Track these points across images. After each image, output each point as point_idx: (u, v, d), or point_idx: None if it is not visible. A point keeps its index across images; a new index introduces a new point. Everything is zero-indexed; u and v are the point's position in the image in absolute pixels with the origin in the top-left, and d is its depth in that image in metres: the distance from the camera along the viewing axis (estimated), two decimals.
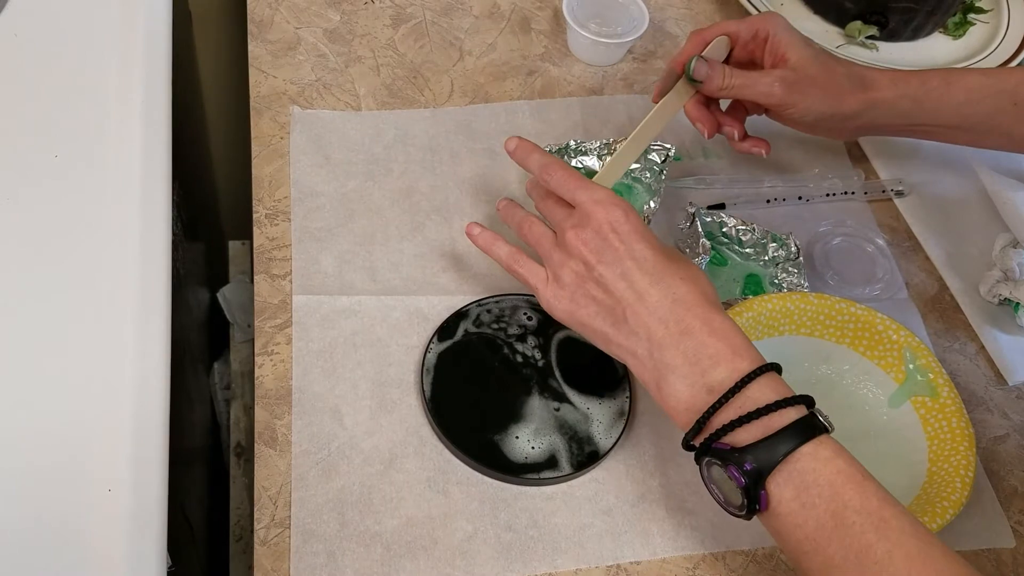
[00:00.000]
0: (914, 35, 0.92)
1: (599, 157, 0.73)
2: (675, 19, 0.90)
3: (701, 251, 0.69)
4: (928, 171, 0.82)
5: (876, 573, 0.46)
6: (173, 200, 0.66)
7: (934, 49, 0.92)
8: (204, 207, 1.13)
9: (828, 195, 0.79)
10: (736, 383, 0.51)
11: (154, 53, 0.71)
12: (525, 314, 0.67)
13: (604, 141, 0.73)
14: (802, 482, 0.49)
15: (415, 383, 0.63)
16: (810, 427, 0.50)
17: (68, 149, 0.65)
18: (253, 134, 0.74)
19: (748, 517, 0.51)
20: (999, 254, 0.74)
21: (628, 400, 0.64)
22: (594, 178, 0.65)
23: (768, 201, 0.78)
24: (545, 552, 0.58)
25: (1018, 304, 0.72)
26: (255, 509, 0.58)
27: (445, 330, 0.65)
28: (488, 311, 0.67)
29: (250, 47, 0.80)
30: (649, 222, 0.71)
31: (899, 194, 0.80)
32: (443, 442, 0.61)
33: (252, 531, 0.57)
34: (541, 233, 0.61)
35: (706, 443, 0.52)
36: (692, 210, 0.71)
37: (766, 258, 0.71)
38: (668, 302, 0.55)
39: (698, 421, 0.52)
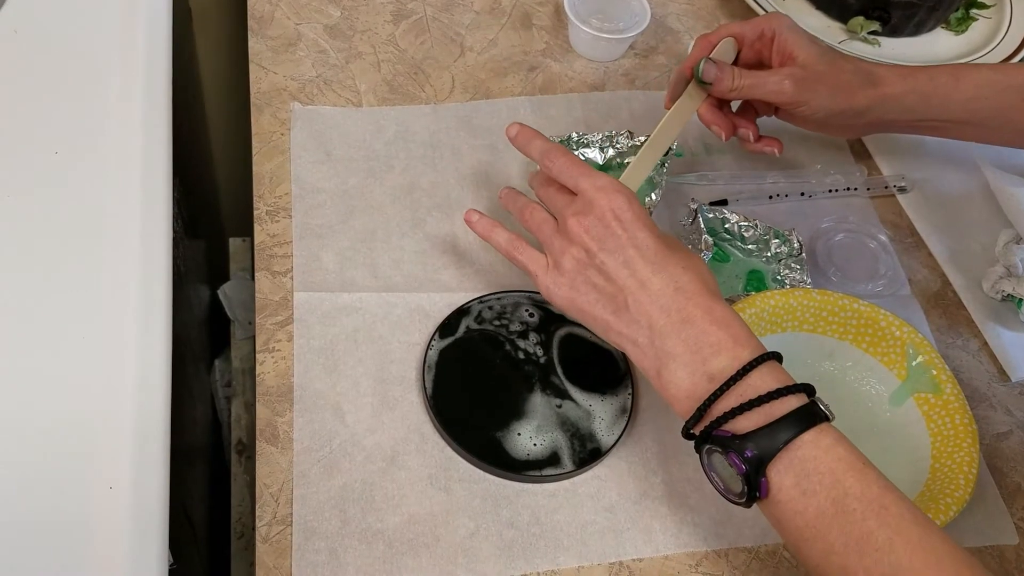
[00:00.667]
0: (916, 31, 0.92)
1: (601, 149, 0.73)
2: (677, 15, 0.90)
3: (703, 247, 0.68)
4: (931, 167, 0.81)
5: (876, 560, 0.46)
6: (173, 197, 0.65)
7: (936, 45, 0.92)
8: (205, 204, 1.12)
9: (831, 191, 0.79)
10: (737, 371, 0.51)
11: (154, 49, 0.71)
12: (527, 310, 0.67)
13: (606, 133, 0.73)
14: (803, 469, 0.49)
15: (416, 380, 0.63)
16: (811, 415, 0.50)
17: (68, 146, 0.65)
18: (254, 130, 0.74)
19: (748, 505, 0.51)
20: (1002, 250, 0.74)
21: (630, 397, 0.64)
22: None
23: (770, 197, 0.77)
24: (547, 549, 0.58)
25: (1021, 300, 0.72)
26: (257, 507, 0.58)
27: (446, 327, 0.65)
28: (490, 308, 0.66)
29: (250, 43, 0.80)
30: (651, 215, 0.71)
31: (902, 190, 0.80)
32: (445, 439, 0.61)
33: (254, 529, 0.57)
34: (542, 219, 0.61)
35: (706, 431, 0.52)
36: (694, 206, 0.71)
37: (768, 254, 0.71)
38: (670, 290, 0.55)
39: (699, 408, 0.52)
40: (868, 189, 0.79)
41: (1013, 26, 0.92)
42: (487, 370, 0.63)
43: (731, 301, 0.66)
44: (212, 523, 0.92)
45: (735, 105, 0.74)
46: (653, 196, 0.71)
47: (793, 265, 0.70)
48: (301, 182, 0.72)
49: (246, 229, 0.78)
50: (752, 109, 0.73)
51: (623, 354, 0.65)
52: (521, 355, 0.64)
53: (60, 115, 0.66)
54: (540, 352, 0.65)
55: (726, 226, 0.72)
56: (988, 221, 0.78)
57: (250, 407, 0.99)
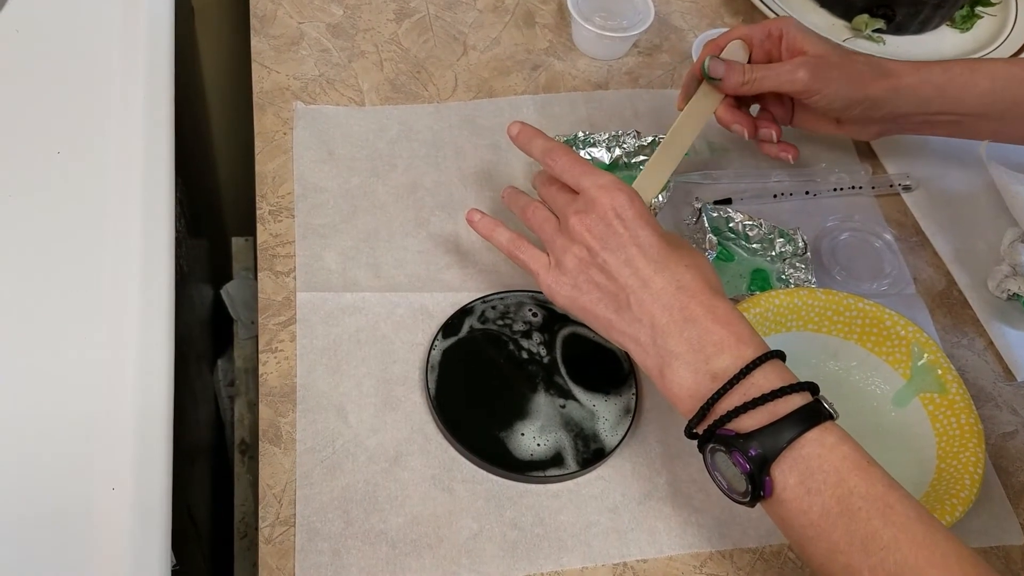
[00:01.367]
0: (921, 28, 0.91)
1: (607, 149, 0.73)
2: (680, 12, 0.90)
3: (707, 247, 0.68)
4: (935, 166, 0.81)
5: (882, 559, 0.46)
6: (176, 196, 0.65)
7: (941, 42, 0.92)
8: (207, 203, 1.12)
9: (835, 190, 0.78)
10: (741, 370, 0.51)
11: (156, 49, 0.71)
12: (530, 310, 0.66)
13: (612, 133, 0.73)
14: (807, 468, 0.49)
15: (420, 380, 0.63)
16: (815, 413, 0.50)
17: (70, 146, 0.65)
18: (256, 130, 0.74)
19: (752, 504, 0.51)
20: (1008, 249, 0.73)
21: (634, 397, 0.63)
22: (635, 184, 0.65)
23: (775, 196, 0.77)
24: (551, 550, 0.58)
25: None
26: (260, 507, 0.57)
27: (450, 327, 0.65)
28: (493, 307, 0.66)
29: (253, 42, 0.80)
30: (656, 216, 0.70)
31: (906, 189, 0.79)
32: (448, 439, 0.61)
33: (257, 529, 0.57)
34: (544, 218, 0.60)
35: (710, 430, 0.52)
36: (698, 205, 0.71)
37: (773, 253, 0.71)
38: (672, 289, 0.54)
39: (702, 407, 0.52)
40: (873, 188, 0.79)
41: (1019, 23, 0.92)
42: (490, 370, 0.63)
43: (735, 301, 0.66)
44: (216, 523, 0.92)
45: (754, 112, 0.74)
46: (660, 198, 0.70)
47: (798, 264, 0.70)
48: (304, 181, 0.72)
49: (249, 229, 0.78)
50: (770, 113, 0.73)
51: (627, 354, 0.65)
52: (524, 355, 0.64)
53: (62, 114, 0.66)
54: (543, 352, 0.64)
55: (730, 225, 0.71)
56: (993, 220, 0.78)
57: (253, 407, 0.99)
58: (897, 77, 0.68)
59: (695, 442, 0.54)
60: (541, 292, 0.66)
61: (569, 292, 0.58)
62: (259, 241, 0.68)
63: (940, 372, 0.63)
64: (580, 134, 0.73)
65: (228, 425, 1.04)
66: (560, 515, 0.59)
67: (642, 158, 0.73)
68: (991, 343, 0.72)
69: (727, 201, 0.75)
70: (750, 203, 0.76)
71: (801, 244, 0.70)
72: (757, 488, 0.50)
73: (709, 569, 0.59)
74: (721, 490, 0.53)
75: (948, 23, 0.93)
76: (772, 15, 0.87)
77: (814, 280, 0.69)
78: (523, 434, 0.61)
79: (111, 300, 0.58)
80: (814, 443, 0.49)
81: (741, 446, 0.50)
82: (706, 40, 0.81)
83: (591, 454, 0.61)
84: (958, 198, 0.79)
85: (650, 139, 0.72)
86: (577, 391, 0.63)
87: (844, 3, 0.91)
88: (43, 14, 0.71)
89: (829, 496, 0.48)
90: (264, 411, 0.61)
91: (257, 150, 0.73)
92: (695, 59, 0.79)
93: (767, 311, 0.65)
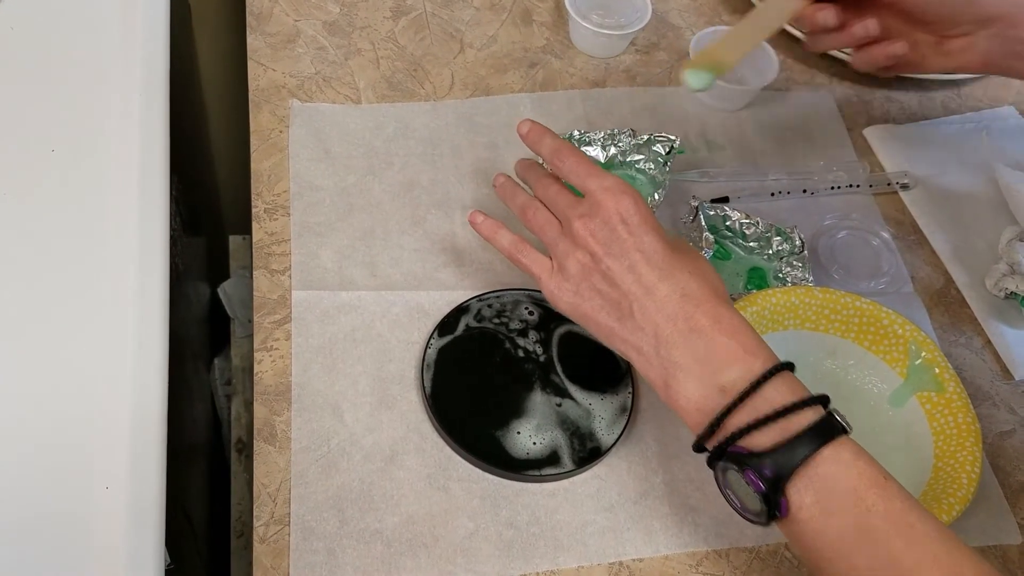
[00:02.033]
0: None
1: (603, 147, 0.73)
2: (678, 10, 0.89)
3: (704, 245, 0.68)
4: (934, 164, 0.81)
5: None
6: (172, 194, 0.65)
7: None
8: (205, 201, 1.12)
9: (833, 188, 0.78)
10: (751, 383, 0.50)
11: (152, 46, 0.71)
12: (527, 309, 0.66)
13: (608, 131, 0.73)
14: (823, 487, 0.48)
15: (415, 379, 0.63)
16: (829, 429, 0.49)
17: (66, 143, 0.64)
18: (252, 128, 0.74)
19: (767, 523, 0.50)
20: (1006, 247, 0.73)
21: (631, 396, 0.63)
22: (704, 52, 0.63)
23: (772, 194, 0.77)
24: (547, 549, 0.58)
25: None
26: (254, 506, 0.57)
27: (446, 325, 0.65)
28: (489, 306, 0.66)
29: (249, 40, 0.79)
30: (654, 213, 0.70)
31: (904, 187, 0.79)
32: (444, 438, 0.61)
33: (252, 528, 0.57)
34: (546, 220, 0.59)
35: (721, 447, 0.50)
36: (695, 204, 0.71)
37: (770, 252, 0.71)
38: (676, 297, 0.53)
39: (711, 423, 0.50)
40: (871, 186, 0.79)
41: None
42: (486, 369, 0.63)
43: (733, 299, 0.66)
44: (213, 522, 0.92)
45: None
46: (656, 196, 0.70)
47: (795, 263, 0.69)
48: (299, 180, 0.71)
49: (246, 227, 0.77)
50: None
51: None
52: (521, 353, 0.64)
53: (58, 112, 0.66)
54: (540, 350, 0.64)
55: (727, 223, 0.71)
56: (991, 218, 0.77)
57: (249, 406, 0.98)
58: None
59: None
60: (538, 291, 0.66)
61: (571, 298, 0.57)
62: (255, 239, 0.68)
63: (937, 371, 0.63)
64: (576, 133, 0.72)
65: (225, 423, 1.03)
66: (556, 514, 0.59)
67: (638, 156, 0.73)
68: (989, 342, 0.72)
69: (724, 199, 0.75)
70: (747, 201, 0.76)
71: (798, 242, 0.70)
72: (772, 508, 0.48)
73: (705, 568, 0.58)
74: (734, 509, 0.52)
75: None
76: None
77: (811, 278, 0.69)
78: (519, 433, 0.61)
79: (106, 298, 0.58)
80: (829, 460, 0.48)
81: (755, 464, 0.48)
82: (703, 38, 0.81)
83: (587, 453, 0.60)
84: (956, 196, 0.79)
85: (646, 137, 0.72)
86: (573, 390, 0.63)
87: None
88: (39, 11, 0.71)
89: (847, 517, 0.47)
90: (259, 410, 0.61)
91: (253, 148, 0.73)
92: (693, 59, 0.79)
93: (764, 309, 0.65)
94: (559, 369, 0.64)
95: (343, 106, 0.76)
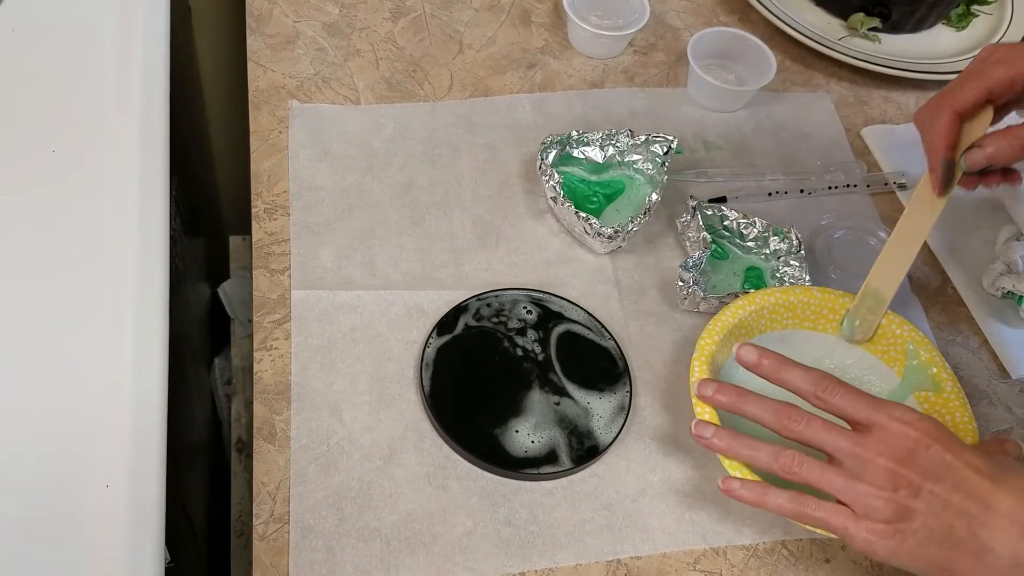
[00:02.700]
0: (917, 27, 0.91)
1: (601, 148, 0.73)
2: (676, 11, 0.90)
3: (702, 245, 0.68)
4: None
5: None
6: (172, 195, 0.65)
7: (937, 41, 0.92)
8: (205, 202, 1.13)
9: (830, 188, 0.78)
10: None
11: (152, 47, 0.71)
12: (525, 308, 0.66)
13: (606, 132, 0.73)
14: None
15: (414, 378, 0.63)
16: None
17: (66, 144, 0.65)
18: (252, 128, 0.74)
19: None
20: (1002, 247, 0.73)
21: (628, 395, 0.63)
22: (868, 283, 0.63)
23: (770, 194, 0.77)
24: (545, 547, 0.58)
25: (1021, 297, 0.71)
26: (254, 505, 0.57)
27: (444, 325, 0.65)
28: (488, 305, 0.66)
29: (248, 41, 0.80)
30: (650, 213, 0.71)
31: (901, 187, 0.79)
32: (442, 437, 0.61)
33: (252, 527, 0.57)
34: (823, 470, 0.53)
35: None
36: (693, 204, 0.71)
37: (767, 251, 0.71)
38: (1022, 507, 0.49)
39: None
40: (868, 186, 0.79)
41: (1014, 22, 0.92)
42: (485, 368, 0.63)
43: (731, 297, 0.66)
44: (213, 521, 0.92)
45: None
46: (654, 196, 0.71)
47: (792, 262, 0.70)
48: (299, 180, 0.72)
49: (246, 227, 0.78)
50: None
51: (621, 351, 0.65)
52: (519, 352, 0.64)
53: (58, 113, 0.66)
54: (538, 349, 0.65)
55: (725, 223, 0.71)
56: (988, 218, 0.78)
57: (250, 405, 0.99)
58: None
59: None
60: (536, 290, 0.66)
61: (891, 541, 0.51)
62: (254, 239, 0.68)
63: (935, 371, 0.63)
64: (574, 133, 0.73)
65: (225, 423, 1.04)
66: (554, 512, 0.59)
67: (636, 157, 0.73)
68: (986, 341, 0.72)
69: (722, 199, 0.75)
70: (745, 201, 0.76)
71: (795, 242, 0.70)
72: None
73: (703, 566, 0.59)
74: None
75: (944, 21, 0.93)
76: (768, 15, 0.87)
77: (809, 278, 0.69)
78: (517, 431, 0.61)
79: (106, 298, 0.58)
80: None
81: None
82: (701, 38, 0.81)
83: (585, 451, 0.61)
84: (953, 196, 0.79)
85: (643, 138, 0.73)
86: (571, 388, 0.63)
87: (840, 2, 0.91)
88: (39, 12, 0.71)
89: None
90: (259, 409, 0.61)
91: (252, 148, 0.73)
92: (691, 58, 0.79)
93: (762, 309, 0.65)
94: (557, 368, 0.64)
95: (342, 107, 0.77)
